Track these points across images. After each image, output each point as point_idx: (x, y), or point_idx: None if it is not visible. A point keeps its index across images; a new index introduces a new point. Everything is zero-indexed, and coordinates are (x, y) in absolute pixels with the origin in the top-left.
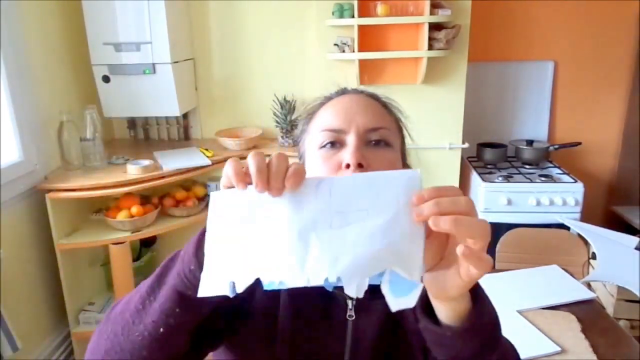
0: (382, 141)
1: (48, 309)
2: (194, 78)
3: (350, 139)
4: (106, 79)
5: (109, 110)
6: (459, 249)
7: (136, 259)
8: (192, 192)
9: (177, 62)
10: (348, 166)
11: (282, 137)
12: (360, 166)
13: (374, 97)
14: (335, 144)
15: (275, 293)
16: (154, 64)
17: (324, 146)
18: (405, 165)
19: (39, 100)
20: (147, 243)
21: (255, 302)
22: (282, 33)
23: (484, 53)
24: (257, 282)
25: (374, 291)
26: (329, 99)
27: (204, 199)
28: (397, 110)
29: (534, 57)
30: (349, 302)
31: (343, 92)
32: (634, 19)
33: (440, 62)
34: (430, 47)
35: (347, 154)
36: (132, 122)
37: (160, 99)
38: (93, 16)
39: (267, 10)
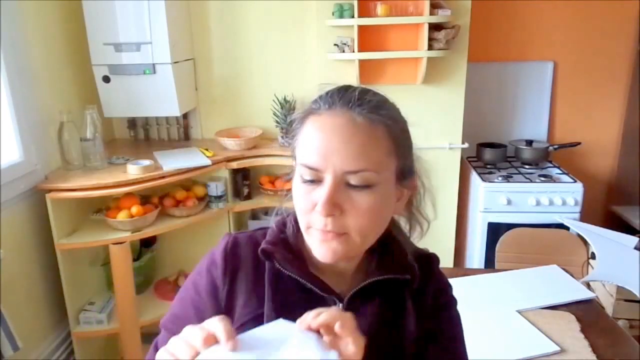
0: (361, 184)
1: (48, 309)
2: (194, 78)
3: (327, 181)
4: (106, 79)
5: (109, 110)
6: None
7: (136, 259)
8: (192, 192)
9: (177, 62)
10: None
11: (282, 137)
12: (332, 215)
13: (364, 117)
14: (314, 181)
15: (260, 296)
16: (154, 64)
17: (304, 181)
18: (402, 182)
19: (39, 100)
20: (147, 243)
21: (238, 308)
22: (282, 33)
23: (483, 53)
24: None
25: (364, 294)
26: (317, 110)
27: (204, 199)
28: (393, 120)
29: (534, 57)
30: (339, 305)
31: (331, 104)
32: (634, 19)
33: (440, 62)
34: (430, 47)
35: (319, 202)
36: (132, 122)
37: (160, 99)
38: (93, 16)
39: (267, 10)
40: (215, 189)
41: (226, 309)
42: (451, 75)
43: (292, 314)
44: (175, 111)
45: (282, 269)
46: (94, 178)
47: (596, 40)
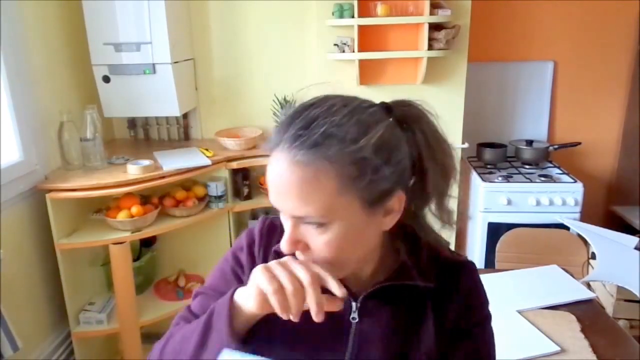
0: (315, 224)
1: (48, 309)
2: (194, 78)
3: (286, 222)
4: (106, 79)
5: (109, 110)
6: None
7: (136, 259)
8: (192, 192)
9: (177, 62)
10: None
11: None
12: (296, 250)
13: (301, 158)
14: (282, 214)
15: None
16: (154, 64)
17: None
18: (377, 206)
19: (39, 100)
20: (147, 243)
21: None
22: (282, 33)
23: (484, 53)
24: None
25: (381, 297)
26: (270, 148)
27: (203, 199)
28: (340, 153)
29: (534, 57)
30: (353, 304)
31: (277, 143)
32: (634, 19)
33: (440, 62)
34: (430, 47)
35: (282, 241)
36: (132, 122)
37: (160, 99)
38: (93, 16)
39: (267, 10)
40: (215, 189)
41: None
42: (451, 75)
43: (304, 313)
44: (175, 111)
45: None
46: (94, 178)
47: (596, 40)
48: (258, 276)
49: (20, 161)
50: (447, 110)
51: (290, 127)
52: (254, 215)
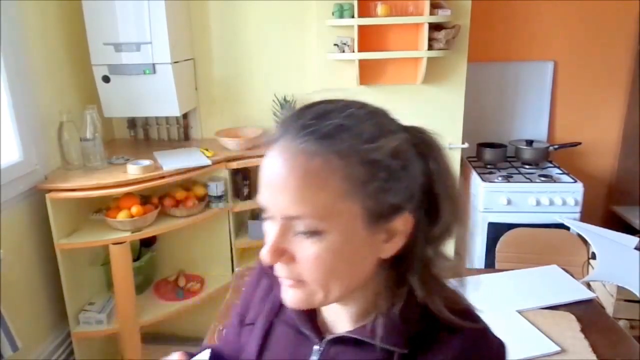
0: (306, 231)
1: (48, 309)
2: (194, 78)
3: (274, 225)
4: (106, 79)
5: (109, 110)
6: None
7: (136, 259)
8: (192, 192)
9: (177, 62)
10: None
11: None
12: (278, 262)
13: (308, 150)
14: (268, 218)
15: (261, 311)
16: (154, 64)
17: (263, 218)
18: (381, 223)
19: (39, 100)
20: (147, 243)
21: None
22: (282, 33)
23: (484, 53)
24: None
25: (349, 344)
26: (271, 141)
27: (203, 199)
28: (353, 151)
29: (534, 57)
30: (316, 347)
31: (282, 134)
32: (634, 19)
33: (440, 62)
34: (430, 47)
35: (264, 249)
36: (132, 122)
37: (160, 99)
38: (93, 16)
39: (267, 10)
40: (215, 189)
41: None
42: (451, 75)
43: (276, 344)
44: (175, 111)
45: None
46: (93, 178)
47: (596, 40)
48: None
49: (20, 161)
50: (447, 110)
51: (298, 118)
52: (254, 215)
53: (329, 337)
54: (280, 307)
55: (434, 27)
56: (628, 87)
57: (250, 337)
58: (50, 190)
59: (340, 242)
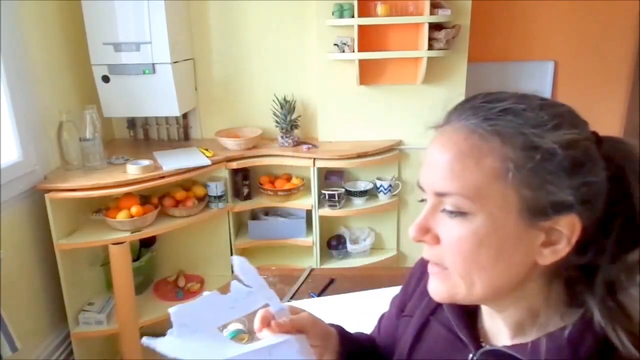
0: (453, 210)
1: (48, 309)
2: (193, 78)
3: (426, 203)
4: (106, 79)
5: (109, 110)
6: None
7: (136, 259)
8: (192, 192)
9: (177, 62)
10: None
11: (281, 137)
12: (422, 240)
13: (469, 127)
14: (425, 200)
15: (418, 306)
16: (153, 64)
17: (420, 200)
18: (541, 221)
19: (39, 100)
20: (147, 243)
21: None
22: (282, 33)
23: (484, 53)
24: None
25: (501, 357)
26: (438, 127)
27: (203, 199)
28: (520, 134)
29: (534, 57)
30: (470, 354)
31: (449, 117)
32: (634, 19)
33: (440, 62)
34: (430, 47)
35: (411, 226)
36: (131, 122)
37: (160, 99)
38: (93, 16)
39: (267, 10)
40: (215, 189)
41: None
42: (451, 75)
43: (429, 342)
44: (175, 111)
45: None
46: (93, 178)
47: (596, 40)
48: None
49: (20, 161)
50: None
51: (469, 101)
52: (253, 215)
53: (486, 347)
54: (437, 305)
55: (434, 27)
56: (628, 87)
57: (406, 330)
58: (49, 190)
59: (486, 228)
